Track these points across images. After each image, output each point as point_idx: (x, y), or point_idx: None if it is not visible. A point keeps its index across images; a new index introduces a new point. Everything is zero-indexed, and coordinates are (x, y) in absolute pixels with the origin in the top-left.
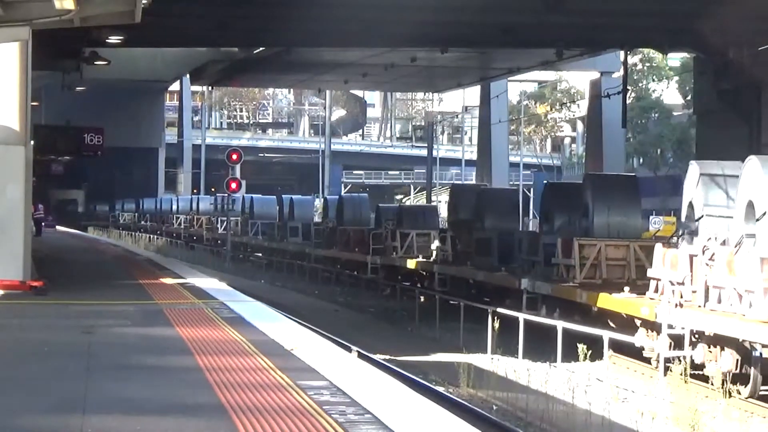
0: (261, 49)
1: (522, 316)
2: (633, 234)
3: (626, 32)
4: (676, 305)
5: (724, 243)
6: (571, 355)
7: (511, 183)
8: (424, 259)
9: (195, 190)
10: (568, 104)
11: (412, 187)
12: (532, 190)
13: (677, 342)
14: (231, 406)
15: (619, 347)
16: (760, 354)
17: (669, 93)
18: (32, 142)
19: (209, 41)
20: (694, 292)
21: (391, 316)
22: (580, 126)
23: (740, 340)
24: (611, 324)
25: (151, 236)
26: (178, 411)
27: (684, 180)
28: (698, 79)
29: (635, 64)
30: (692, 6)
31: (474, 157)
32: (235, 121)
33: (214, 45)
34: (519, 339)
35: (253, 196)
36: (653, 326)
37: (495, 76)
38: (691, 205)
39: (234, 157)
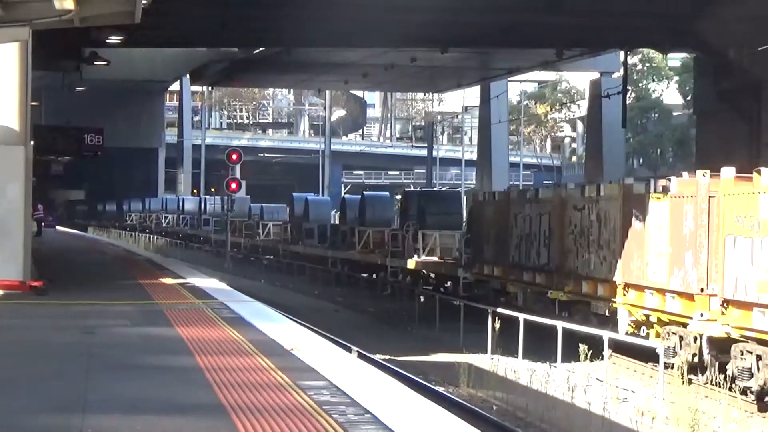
0: (261, 49)
1: (522, 316)
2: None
3: (626, 32)
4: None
5: None
6: (571, 355)
7: (512, 182)
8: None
9: (195, 190)
10: (568, 104)
11: (412, 187)
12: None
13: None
14: (231, 405)
15: (619, 347)
16: None
17: (669, 93)
18: (32, 142)
19: (209, 41)
20: None
21: (391, 317)
22: (580, 126)
23: None
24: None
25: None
26: (178, 411)
27: None
28: (698, 79)
29: (635, 64)
30: (692, 6)
31: (474, 157)
32: (234, 121)
33: (214, 45)
34: (519, 339)
35: (185, 198)
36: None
37: (495, 76)
38: None
39: (234, 157)
